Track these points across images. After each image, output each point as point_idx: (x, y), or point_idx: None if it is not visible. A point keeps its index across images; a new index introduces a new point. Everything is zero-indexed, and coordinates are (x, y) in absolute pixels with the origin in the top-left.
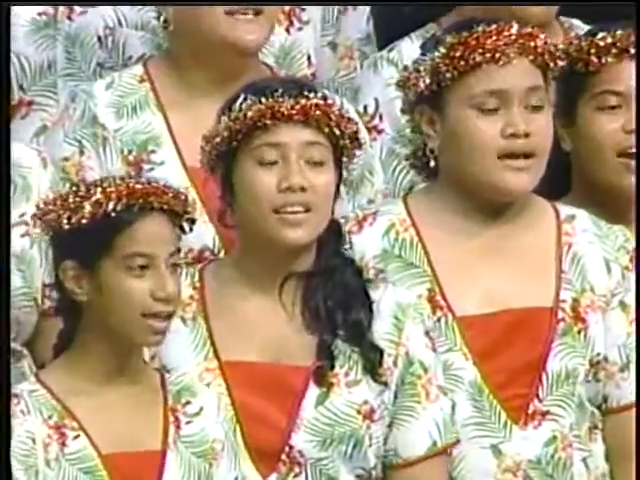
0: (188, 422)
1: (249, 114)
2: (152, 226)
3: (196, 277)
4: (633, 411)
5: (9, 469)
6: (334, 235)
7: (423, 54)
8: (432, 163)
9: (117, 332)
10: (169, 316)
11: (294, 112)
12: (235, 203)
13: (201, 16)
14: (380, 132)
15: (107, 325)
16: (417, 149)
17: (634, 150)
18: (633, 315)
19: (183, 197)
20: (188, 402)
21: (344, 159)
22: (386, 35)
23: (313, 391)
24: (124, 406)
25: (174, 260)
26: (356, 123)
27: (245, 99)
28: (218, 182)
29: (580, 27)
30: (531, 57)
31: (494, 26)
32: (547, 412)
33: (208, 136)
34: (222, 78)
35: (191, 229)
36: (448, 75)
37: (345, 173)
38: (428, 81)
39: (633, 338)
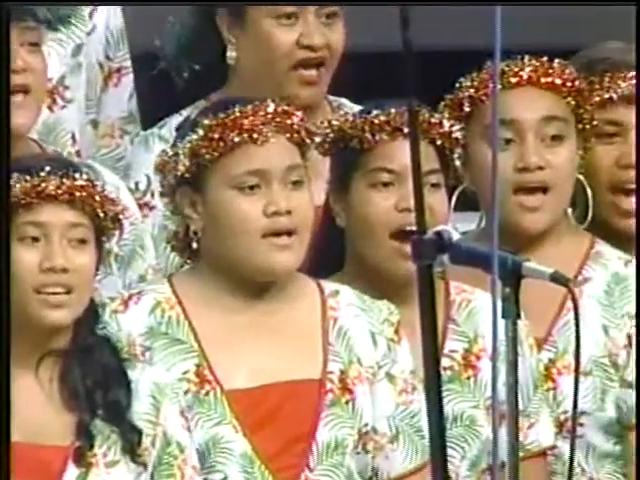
0: None
1: (14, 192)
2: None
3: None
4: None
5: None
6: (90, 314)
7: (181, 137)
8: (195, 245)
9: None
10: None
11: (60, 192)
12: None
13: None
14: (152, 209)
15: None
16: (178, 231)
17: (409, 228)
18: (401, 386)
19: None
20: None
21: (104, 239)
22: (155, 112)
23: (72, 471)
24: None
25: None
26: (119, 204)
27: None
28: None
29: (347, 106)
30: (287, 135)
31: (250, 106)
32: None
33: None
34: None
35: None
36: (207, 157)
37: (117, 249)
38: (187, 164)
39: (402, 409)
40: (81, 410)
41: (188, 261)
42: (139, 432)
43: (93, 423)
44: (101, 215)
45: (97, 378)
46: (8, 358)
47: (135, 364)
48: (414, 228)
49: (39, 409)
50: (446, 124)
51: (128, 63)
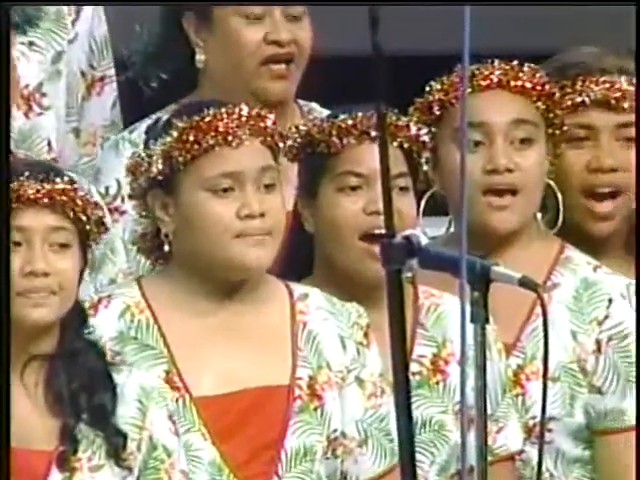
0: None
1: None
2: None
3: None
4: None
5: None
6: (76, 317)
7: (154, 139)
8: (166, 247)
9: None
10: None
11: (40, 196)
12: None
13: None
14: (122, 213)
15: None
16: (146, 233)
17: (378, 231)
18: (370, 390)
19: None
20: None
21: (89, 242)
22: (130, 118)
23: (56, 476)
24: None
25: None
26: (102, 208)
27: None
28: None
29: (318, 110)
30: (261, 138)
31: (224, 109)
32: None
33: None
34: None
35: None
36: (181, 159)
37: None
38: (160, 166)
39: (370, 413)
40: (66, 414)
41: (156, 263)
42: (124, 436)
43: (78, 427)
44: (83, 219)
45: (82, 382)
46: (8, 362)
47: (121, 368)
48: (383, 231)
49: (25, 413)
50: (413, 128)
51: (112, 71)
